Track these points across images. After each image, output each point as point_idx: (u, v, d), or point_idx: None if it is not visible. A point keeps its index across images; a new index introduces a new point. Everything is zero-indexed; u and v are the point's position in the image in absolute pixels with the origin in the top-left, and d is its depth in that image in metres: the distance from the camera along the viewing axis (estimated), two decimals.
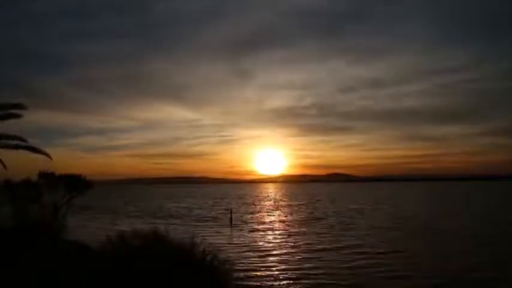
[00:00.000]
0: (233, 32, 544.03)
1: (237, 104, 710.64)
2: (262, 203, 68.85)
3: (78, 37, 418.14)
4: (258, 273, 15.63)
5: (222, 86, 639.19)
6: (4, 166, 17.08)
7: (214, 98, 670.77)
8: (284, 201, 73.33)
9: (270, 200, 76.67)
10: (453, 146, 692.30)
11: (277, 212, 47.64)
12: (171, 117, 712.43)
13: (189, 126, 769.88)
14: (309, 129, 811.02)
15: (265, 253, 20.37)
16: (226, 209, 46.38)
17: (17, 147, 16.85)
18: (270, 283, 14.28)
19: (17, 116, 16.78)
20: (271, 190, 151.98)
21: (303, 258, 18.86)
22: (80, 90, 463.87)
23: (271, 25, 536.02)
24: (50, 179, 18.31)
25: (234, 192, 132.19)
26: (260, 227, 32.54)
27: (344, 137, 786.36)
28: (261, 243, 23.63)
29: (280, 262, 18.04)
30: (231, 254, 16.24)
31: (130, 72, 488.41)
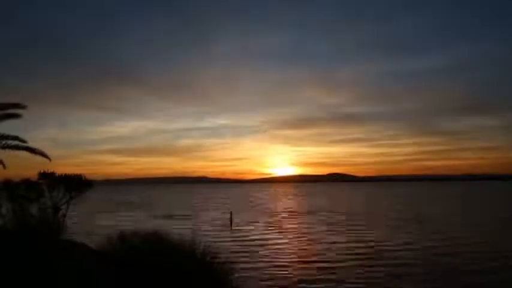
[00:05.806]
0: None
1: (205, 84, 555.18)
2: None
3: None
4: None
5: (180, 56, 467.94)
6: (4, 166, 17.04)
7: (174, 76, 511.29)
8: None
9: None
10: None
11: None
12: (135, 104, 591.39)
13: (161, 115, 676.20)
14: (305, 121, 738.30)
15: None
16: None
17: (17, 147, 16.82)
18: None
19: (17, 116, 16.74)
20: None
21: None
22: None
23: None
24: (49, 179, 18.29)
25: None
26: None
27: (347, 130, 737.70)
28: None
29: None
30: None
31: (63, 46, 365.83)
